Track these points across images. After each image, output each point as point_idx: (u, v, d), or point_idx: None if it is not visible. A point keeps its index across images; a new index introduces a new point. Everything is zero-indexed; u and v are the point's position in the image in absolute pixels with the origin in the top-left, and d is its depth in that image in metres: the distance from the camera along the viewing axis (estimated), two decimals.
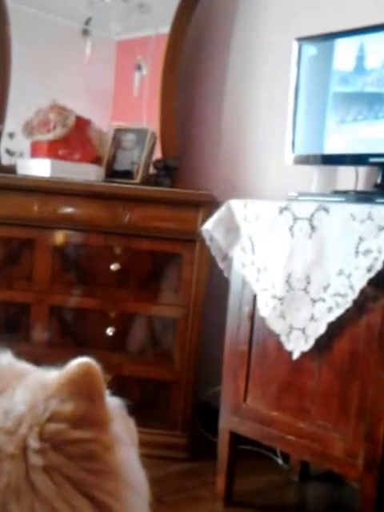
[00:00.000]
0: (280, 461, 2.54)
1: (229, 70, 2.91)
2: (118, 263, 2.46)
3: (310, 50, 2.24)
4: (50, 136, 2.55)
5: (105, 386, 0.73)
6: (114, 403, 0.85)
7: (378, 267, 1.73)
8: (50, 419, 0.68)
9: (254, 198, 2.46)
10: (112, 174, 2.67)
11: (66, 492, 0.65)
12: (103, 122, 2.91)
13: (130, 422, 0.91)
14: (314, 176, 2.26)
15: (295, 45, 2.28)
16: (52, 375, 0.73)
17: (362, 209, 1.77)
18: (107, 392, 0.77)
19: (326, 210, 1.86)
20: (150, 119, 2.88)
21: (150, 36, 3.01)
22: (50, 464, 0.66)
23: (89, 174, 2.57)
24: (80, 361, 0.71)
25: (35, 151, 2.63)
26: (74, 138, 2.60)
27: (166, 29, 2.88)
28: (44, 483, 0.64)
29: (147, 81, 2.99)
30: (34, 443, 0.66)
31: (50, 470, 0.65)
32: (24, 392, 0.71)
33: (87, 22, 2.97)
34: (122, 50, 3.17)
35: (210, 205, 2.41)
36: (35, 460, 0.65)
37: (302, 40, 2.27)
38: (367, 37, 2.07)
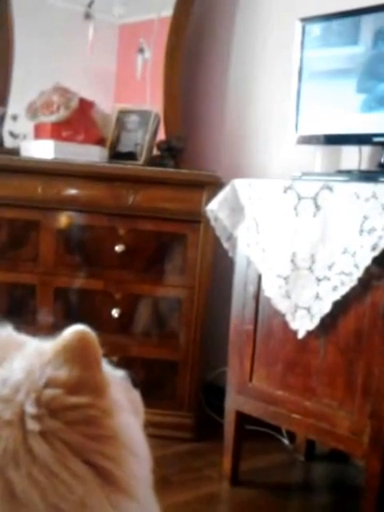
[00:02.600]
0: (285, 440, 2.55)
1: (232, 51, 2.89)
2: (122, 244, 2.46)
3: (314, 30, 2.22)
4: (54, 118, 2.54)
5: (100, 352, 0.72)
6: (116, 374, 0.85)
7: (382, 245, 1.72)
8: (47, 385, 0.68)
9: (259, 177, 2.46)
10: (116, 155, 2.66)
11: (64, 457, 0.66)
12: (106, 105, 2.90)
13: (134, 393, 0.90)
14: (317, 156, 2.25)
15: (299, 25, 2.26)
16: (49, 343, 0.73)
17: (366, 188, 1.77)
18: (105, 360, 0.77)
19: (330, 188, 1.85)
20: (153, 102, 2.87)
21: (153, 19, 2.99)
22: (47, 429, 0.66)
23: (92, 155, 2.56)
24: (74, 328, 0.71)
25: (38, 133, 2.63)
26: (78, 120, 2.59)
27: (168, 11, 2.86)
28: (42, 449, 0.64)
29: (150, 64, 2.97)
30: (30, 409, 0.66)
31: (47, 435, 0.66)
32: (22, 360, 0.71)
33: (90, 5, 2.95)
34: (125, 33, 3.15)
35: (214, 185, 2.40)
36: (32, 426, 0.65)
37: (306, 20, 2.25)
38: (369, 15, 2.06)
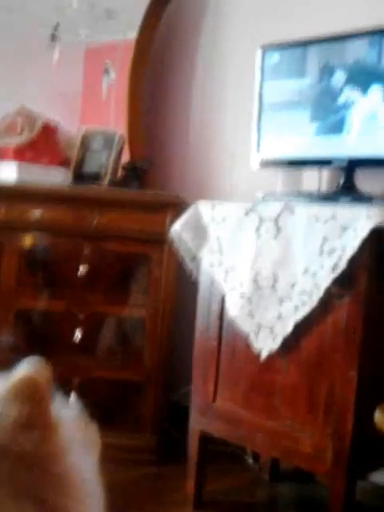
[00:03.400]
0: (250, 460, 2.56)
1: (196, 74, 2.94)
2: (86, 265, 2.46)
3: (274, 56, 2.28)
4: (17, 140, 2.55)
5: (51, 390, 0.72)
6: (71, 407, 0.84)
7: (342, 266, 1.76)
8: None
9: (222, 199, 2.48)
10: (80, 176, 2.67)
11: (11, 495, 0.65)
12: (73, 126, 2.91)
13: (90, 428, 0.90)
14: (279, 178, 2.29)
15: (259, 51, 2.32)
16: (1, 380, 0.73)
17: (326, 209, 1.81)
18: (57, 396, 0.76)
19: (291, 211, 1.89)
20: (118, 123, 2.88)
21: (118, 41, 3.02)
22: None
23: (57, 177, 2.57)
24: (26, 365, 0.71)
25: (2, 155, 2.63)
26: (42, 142, 2.59)
27: (133, 33, 2.89)
28: None
29: (115, 85, 2.99)
30: None
31: None
32: None
33: (55, 28, 2.97)
34: (91, 55, 3.17)
35: (178, 206, 2.42)
36: None
37: (266, 47, 2.31)
38: (329, 45, 2.16)
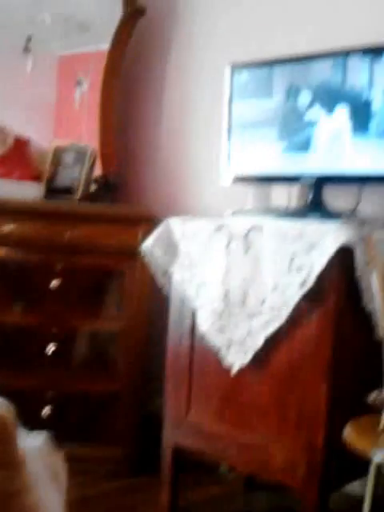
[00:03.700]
0: (224, 471, 2.57)
1: (167, 89, 2.95)
2: (58, 280, 2.47)
3: (243, 75, 2.31)
4: None
5: (17, 428, 0.73)
6: (36, 440, 0.85)
7: (310, 283, 1.79)
8: None
9: (194, 214, 2.50)
10: (52, 191, 2.67)
11: None
12: (46, 137, 2.91)
13: (55, 457, 0.91)
14: (249, 194, 2.32)
15: (228, 70, 2.34)
16: None
17: (294, 227, 1.84)
18: (22, 433, 0.77)
19: (260, 228, 1.92)
20: (90, 135, 2.89)
21: (91, 53, 3.03)
22: None
23: (28, 191, 2.57)
24: None
25: None
26: (13, 157, 2.60)
27: (106, 45, 2.90)
28: None
29: (88, 97, 3.00)
30: None
31: None
32: None
33: (29, 40, 2.97)
34: (64, 66, 3.18)
35: (150, 221, 2.43)
36: None
37: (235, 65, 2.34)
38: (295, 66, 2.20)
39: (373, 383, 1.75)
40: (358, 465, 1.83)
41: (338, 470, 1.91)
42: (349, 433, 1.62)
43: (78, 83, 3.05)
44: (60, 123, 3.16)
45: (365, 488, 1.80)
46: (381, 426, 1.63)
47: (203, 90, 2.79)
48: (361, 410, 1.69)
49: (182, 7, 2.91)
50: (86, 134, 2.95)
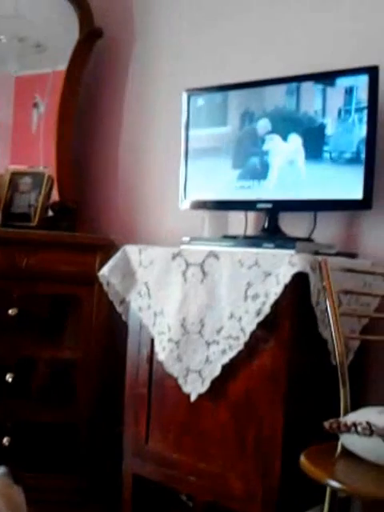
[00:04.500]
0: (185, 498, 2.56)
1: (125, 113, 2.95)
2: (16, 308, 2.44)
3: (198, 101, 2.33)
4: None
5: None
6: None
7: (265, 311, 1.80)
8: None
9: (152, 241, 2.51)
10: (9, 217, 2.65)
11: None
12: (2, 158, 2.89)
13: (14, 489, 0.91)
14: (206, 221, 2.32)
15: (184, 95, 2.36)
16: None
17: (249, 255, 1.85)
18: None
19: (216, 256, 1.92)
20: (47, 158, 2.87)
21: (48, 73, 3.02)
22: None
23: None
24: None
25: None
26: None
27: (63, 66, 2.89)
28: None
29: (44, 119, 2.99)
30: None
31: None
32: None
33: None
34: (21, 87, 3.15)
35: (107, 248, 2.43)
36: None
37: (191, 91, 2.36)
38: (248, 92, 2.23)
39: (330, 409, 1.77)
40: (316, 491, 1.86)
41: (295, 496, 1.92)
42: (305, 460, 1.62)
43: (35, 105, 3.04)
44: (17, 146, 3.13)
45: None
46: (337, 454, 1.65)
47: (162, 115, 2.80)
48: (318, 436, 1.70)
49: (140, 29, 2.91)
50: (43, 158, 2.93)
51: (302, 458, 1.63)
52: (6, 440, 2.47)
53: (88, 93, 3.00)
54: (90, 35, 2.88)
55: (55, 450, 2.53)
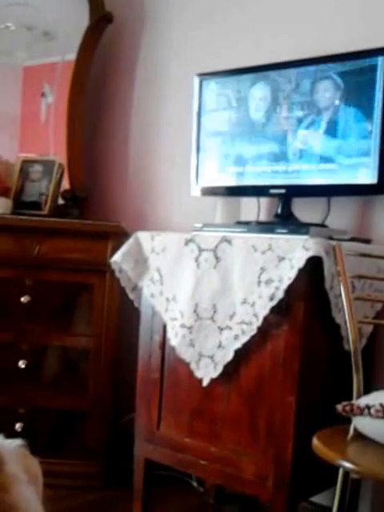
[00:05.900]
0: (195, 484, 2.58)
1: (135, 100, 2.95)
2: (28, 295, 2.46)
3: (211, 85, 2.33)
4: None
5: None
6: (13, 444, 0.86)
7: (279, 296, 1.80)
8: None
9: (163, 228, 2.51)
10: (20, 205, 2.66)
11: None
12: (11, 148, 2.89)
13: (31, 460, 0.92)
14: (218, 207, 2.33)
15: (196, 80, 2.35)
16: None
17: (263, 240, 1.85)
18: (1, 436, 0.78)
19: (229, 241, 1.93)
20: (57, 147, 2.88)
21: (57, 62, 3.01)
22: None
23: None
24: None
25: None
26: None
27: (72, 55, 2.88)
28: None
29: (54, 108, 2.99)
30: None
31: None
32: None
33: None
34: (29, 76, 3.15)
35: (119, 235, 2.44)
36: None
37: (203, 75, 2.35)
38: (266, 75, 2.21)
39: (342, 394, 1.78)
40: (326, 476, 1.87)
41: (307, 480, 1.94)
42: (318, 442, 1.63)
43: (44, 94, 3.04)
44: (26, 136, 3.14)
45: (332, 499, 1.84)
46: (349, 436, 1.66)
47: (172, 101, 2.80)
48: (330, 420, 1.72)
49: (150, 14, 2.90)
50: (53, 147, 2.94)
51: (315, 440, 1.64)
52: (18, 426, 2.48)
53: (97, 80, 3.00)
54: (100, 21, 2.87)
55: (67, 435, 2.54)
